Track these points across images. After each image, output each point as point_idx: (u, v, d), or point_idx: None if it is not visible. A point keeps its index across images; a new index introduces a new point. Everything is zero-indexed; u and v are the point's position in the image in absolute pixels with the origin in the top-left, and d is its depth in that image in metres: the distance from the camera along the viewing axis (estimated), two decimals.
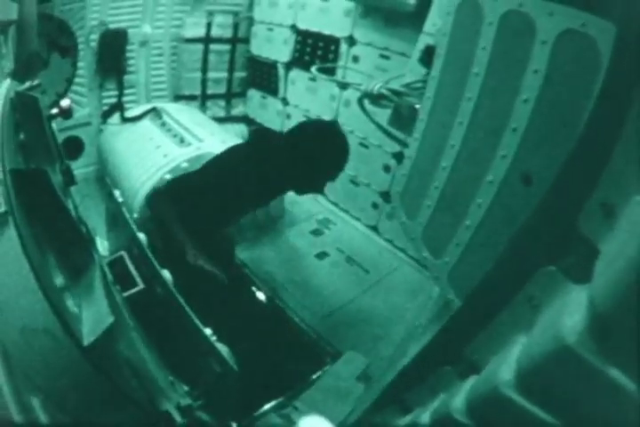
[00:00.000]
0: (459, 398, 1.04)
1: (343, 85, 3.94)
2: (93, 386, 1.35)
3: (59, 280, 1.61)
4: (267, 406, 2.76)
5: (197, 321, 2.01)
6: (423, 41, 2.07)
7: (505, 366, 0.89)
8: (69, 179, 2.43)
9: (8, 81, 2.09)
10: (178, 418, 1.79)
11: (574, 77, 1.09)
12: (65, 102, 2.35)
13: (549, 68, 1.16)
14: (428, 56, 1.93)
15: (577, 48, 1.07)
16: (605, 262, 0.72)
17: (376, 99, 2.05)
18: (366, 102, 2.29)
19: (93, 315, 1.48)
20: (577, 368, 0.71)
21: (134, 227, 2.56)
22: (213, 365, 1.98)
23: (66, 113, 2.35)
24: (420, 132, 1.76)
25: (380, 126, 2.51)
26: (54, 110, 2.35)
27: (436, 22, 2.00)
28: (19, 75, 2.30)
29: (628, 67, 0.83)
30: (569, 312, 0.77)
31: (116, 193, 2.72)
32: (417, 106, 1.85)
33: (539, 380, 0.81)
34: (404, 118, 2.01)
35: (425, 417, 1.20)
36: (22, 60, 2.50)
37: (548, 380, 0.79)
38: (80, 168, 4.50)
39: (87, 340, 1.31)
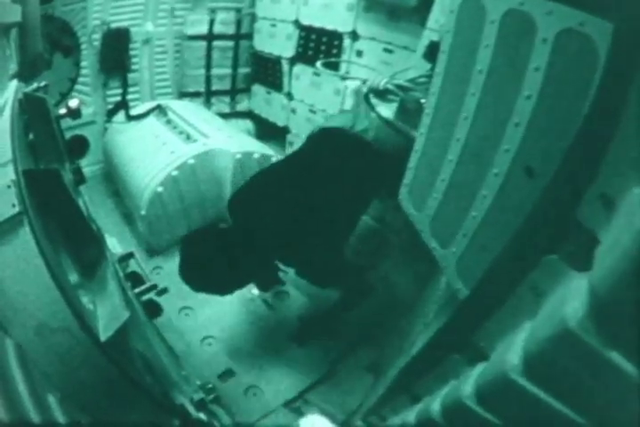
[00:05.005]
0: (468, 384, 1.06)
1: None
2: (110, 381, 1.37)
3: (73, 277, 1.63)
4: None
5: None
6: (427, 37, 2.08)
7: (512, 352, 0.91)
8: (80, 177, 2.46)
9: (15, 82, 2.10)
10: (192, 411, 1.82)
11: (573, 74, 1.10)
12: (74, 102, 2.36)
13: (550, 66, 1.17)
14: (431, 52, 1.95)
15: (576, 46, 1.08)
16: (604, 251, 0.75)
17: (382, 94, 2.07)
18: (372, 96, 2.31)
19: (108, 311, 1.50)
20: (579, 351, 0.75)
21: None
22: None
23: (74, 113, 2.37)
24: (426, 127, 1.78)
25: (385, 120, 2.53)
26: (63, 110, 2.37)
27: (439, 19, 2.01)
28: (24, 76, 2.31)
29: (624, 63, 0.85)
30: (570, 298, 0.80)
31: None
32: (422, 100, 1.86)
33: (544, 363, 0.84)
34: (409, 112, 2.03)
35: (436, 404, 1.23)
36: (27, 61, 2.52)
37: (552, 363, 0.82)
38: (86, 167, 4.51)
39: (104, 336, 1.33)
